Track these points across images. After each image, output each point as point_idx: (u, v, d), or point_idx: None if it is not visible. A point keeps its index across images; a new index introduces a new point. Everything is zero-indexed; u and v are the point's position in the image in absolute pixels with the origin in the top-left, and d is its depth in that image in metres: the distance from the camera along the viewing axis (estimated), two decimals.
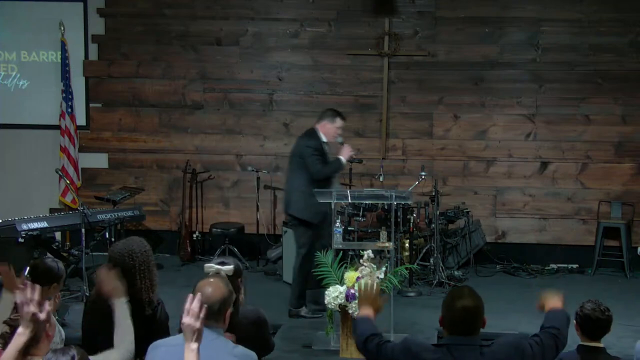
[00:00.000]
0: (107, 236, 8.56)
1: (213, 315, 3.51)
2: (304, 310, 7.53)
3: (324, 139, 7.62)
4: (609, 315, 4.33)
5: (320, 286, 6.74)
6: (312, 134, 7.65)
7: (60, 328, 4.20)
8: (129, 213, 9.01)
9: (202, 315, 3.23)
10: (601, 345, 4.38)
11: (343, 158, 7.60)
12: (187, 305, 3.25)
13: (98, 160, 10.27)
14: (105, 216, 8.63)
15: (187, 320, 3.23)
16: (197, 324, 3.22)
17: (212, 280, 3.64)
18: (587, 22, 9.58)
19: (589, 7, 9.57)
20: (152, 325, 4.08)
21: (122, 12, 10.09)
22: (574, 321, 4.42)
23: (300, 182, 7.52)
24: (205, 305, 3.28)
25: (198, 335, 3.23)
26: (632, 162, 9.66)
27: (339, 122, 7.66)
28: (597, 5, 9.55)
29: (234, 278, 4.25)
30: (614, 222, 9.48)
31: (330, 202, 7.09)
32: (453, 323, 3.63)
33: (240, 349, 3.58)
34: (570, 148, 9.74)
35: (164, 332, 4.17)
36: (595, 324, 4.33)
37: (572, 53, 9.64)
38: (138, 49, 10.13)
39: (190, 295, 3.29)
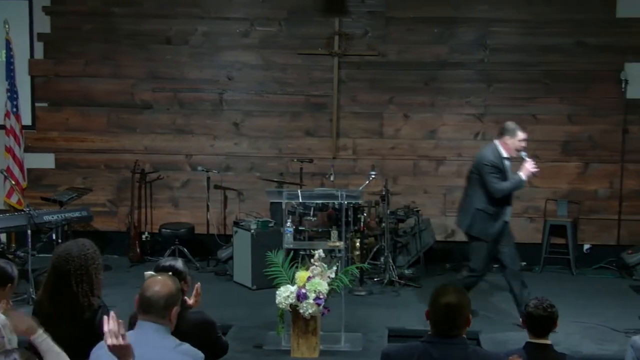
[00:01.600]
0: (54, 238, 8.43)
1: (159, 312, 3.51)
2: None
3: (505, 154, 7.12)
4: (552, 312, 4.38)
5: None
6: (491, 149, 7.14)
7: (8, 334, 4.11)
8: (77, 214, 8.88)
9: (122, 332, 3.20)
10: (548, 342, 4.42)
11: (523, 175, 7.06)
12: (105, 328, 3.21)
13: (44, 161, 10.10)
14: (52, 217, 8.49)
15: (110, 341, 3.19)
16: (122, 342, 3.19)
17: (159, 277, 3.64)
18: (535, 23, 9.70)
19: (537, 8, 9.69)
20: (91, 329, 4.01)
21: (69, 10, 9.94)
22: (520, 319, 4.47)
23: (477, 200, 7.12)
24: (122, 322, 3.24)
25: (127, 352, 3.20)
26: (578, 161, 9.81)
27: (520, 135, 7.09)
28: (545, 7, 9.68)
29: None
30: (560, 220, 9.62)
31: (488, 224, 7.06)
32: (436, 320, 3.63)
33: (186, 346, 3.58)
34: None
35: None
36: (538, 321, 4.38)
37: (520, 53, 9.76)
38: (86, 47, 9.99)
39: (105, 318, 3.25)
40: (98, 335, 3.70)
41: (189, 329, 4.15)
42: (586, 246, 9.83)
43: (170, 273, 4.19)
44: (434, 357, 3.55)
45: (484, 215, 7.09)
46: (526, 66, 9.75)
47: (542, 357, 4.37)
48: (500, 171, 7.06)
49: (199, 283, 4.68)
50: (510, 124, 7.17)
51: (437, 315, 3.62)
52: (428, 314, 3.67)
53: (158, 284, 3.58)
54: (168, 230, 9.60)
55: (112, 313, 3.27)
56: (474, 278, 7.29)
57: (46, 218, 8.41)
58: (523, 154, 7.11)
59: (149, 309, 3.51)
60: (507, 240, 7.23)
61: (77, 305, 4.13)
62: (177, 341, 3.57)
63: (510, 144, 7.09)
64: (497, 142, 7.17)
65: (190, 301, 4.50)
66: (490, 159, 7.04)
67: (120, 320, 3.22)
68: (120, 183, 10.06)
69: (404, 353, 3.64)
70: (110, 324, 3.21)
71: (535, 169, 7.08)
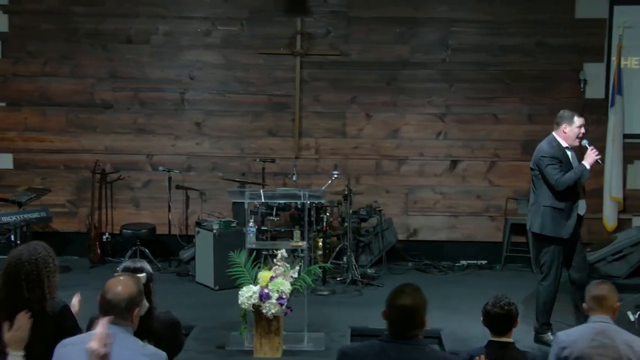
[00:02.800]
0: (13, 239, 8.33)
1: (121, 313, 3.48)
2: (549, 336, 6.74)
3: (565, 144, 6.78)
4: (510, 309, 4.41)
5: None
6: (548, 141, 6.83)
7: None
8: (35, 215, 8.78)
9: (108, 341, 3.18)
10: (510, 340, 4.45)
11: (587, 164, 6.67)
12: (97, 330, 3.19)
13: (2, 161, 9.97)
14: (10, 218, 8.40)
15: (92, 345, 3.16)
16: (102, 350, 3.16)
17: (122, 278, 3.60)
18: (496, 24, 9.78)
19: (498, 9, 9.77)
20: (57, 336, 3.95)
21: (27, 9, 9.80)
22: (481, 318, 4.50)
23: (543, 197, 6.79)
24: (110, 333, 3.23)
25: None
26: None
27: (577, 121, 6.72)
28: (505, 7, 9.77)
29: (146, 283, 4.20)
30: (521, 219, 9.66)
31: None
32: (392, 321, 3.63)
33: (150, 348, 3.55)
34: (479, 147, 9.94)
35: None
36: (495, 319, 4.41)
37: (481, 53, 9.84)
38: (45, 47, 9.87)
39: (99, 320, 3.23)
40: (53, 340, 3.65)
41: (160, 329, 4.14)
42: None
43: (144, 274, 4.16)
44: (392, 356, 3.55)
45: (554, 211, 6.72)
46: (487, 66, 9.84)
47: (503, 356, 4.39)
48: (561, 162, 6.70)
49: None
50: (565, 112, 6.84)
51: (393, 316, 3.63)
52: (385, 314, 3.67)
53: (120, 285, 3.54)
54: (129, 231, 9.51)
55: (105, 319, 3.25)
56: (552, 287, 6.83)
57: (4, 219, 8.32)
58: (585, 142, 6.79)
59: (110, 310, 3.48)
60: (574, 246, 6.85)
61: (31, 312, 4.05)
62: (141, 342, 3.54)
63: (569, 132, 6.73)
64: (554, 134, 6.83)
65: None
66: (548, 150, 6.73)
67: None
68: (80, 183, 9.95)
69: (362, 351, 3.65)
70: (100, 329, 3.18)
71: (598, 156, 6.72)
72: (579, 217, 6.85)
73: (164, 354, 3.59)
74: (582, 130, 6.76)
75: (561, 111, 6.94)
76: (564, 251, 6.81)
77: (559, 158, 6.72)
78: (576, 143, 6.79)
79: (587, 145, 6.78)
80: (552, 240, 6.77)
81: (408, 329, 3.61)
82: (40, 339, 3.89)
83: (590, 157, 6.70)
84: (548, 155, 6.71)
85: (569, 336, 4.55)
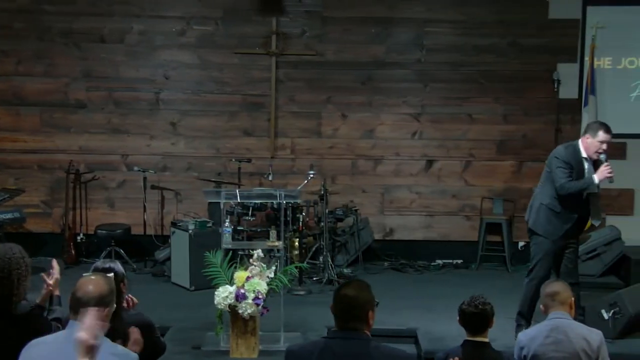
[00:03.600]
0: None
1: (78, 312, 3.47)
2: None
3: (584, 154, 6.60)
4: (484, 309, 4.43)
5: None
6: (568, 145, 6.72)
7: None
8: (9, 215, 8.71)
9: (98, 332, 3.15)
10: (486, 339, 4.48)
11: (596, 178, 6.48)
12: (87, 320, 3.16)
13: None
14: None
15: (81, 335, 3.13)
16: (92, 341, 3.14)
17: (93, 277, 3.58)
18: (470, 24, 9.83)
19: (472, 9, 9.82)
20: (28, 338, 3.91)
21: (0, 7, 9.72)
22: (457, 317, 4.52)
23: (543, 195, 6.72)
24: (108, 325, 3.24)
25: (92, 354, 3.14)
26: (513, 159, 9.97)
27: (601, 135, 6.48)
28: (479, 8, 9.82)
29: (116, 284, 4.16)
30: (496, 218, 9.77)
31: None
32: (335, 312, 3.64)
33: (121, 348, 3.54)
34: (454, 146, 9.98)
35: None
36: (471, 319, 4.43)
37: (455, 54, 9.88)
38: (18, 46, 9.78)
39: (89, 309, 3.22)
40: (30, 338, 3.61)
41: (126, 331, 4.11)
42: (521, 243, 9.99)
43: (111, 274, 4.13)
44: (335, 352, 3.55)
45: (549, 212, 6.68)
46: (462, 66, 9.88)
47: (479, 355, 4.42)
48: (572, 169, 6.57)
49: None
50: (594, 123, 6.75)
51: (336, 307, 3.64)
52: (331, 308, 3.68)
53: (90, 283, 3.52)
54: (104, 231, 9.45)
55: (94, 310, 3.24)
56: (534, 281, 6.70)
57: None
58: (603, 156, 6.54)
59: (79, 309, 3.46)
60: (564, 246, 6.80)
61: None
62: (111, 342, 3.52)
63: (590, 143, 6.56)
64: (580, 140, 6.70)
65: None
66: (562, 153, 6.61)
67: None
68: (54, 184, 9.88)
69: (307, 349, 3.67)
70: (89, 319, 3.15)
71: (611, 174, 6.47)
72: (579, 226, 6.80)
73: (134, 355, 3.57)
74: (604, 146, 6.55)
75: (593, 122, 6.91)
76: (554, 253, 6.76)
77: (571, 164, 6.59)
78: (594, 157, 6.59)
79: (603, 160, 6.55)
80: (541, 239, 6.76)
81: (349, 319, 3.59)
82: (7, 340, 3.84)
83: (602, 172, 6.49)
84: (560, 158, 6.61)
85: (526, 335, 4.61)
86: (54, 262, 4.51)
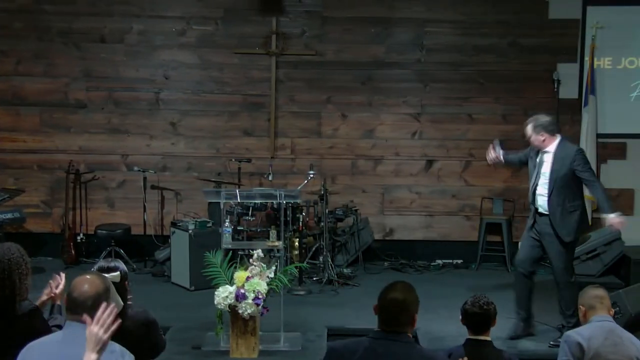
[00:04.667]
0: None
1: (86, 311, 3.47)
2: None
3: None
4: (488, 309, 4.43)
5: None
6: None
7: None
8: (9, 215, 8.70)
9: (113, 327, 3.19)
10: (488, 338, 4.47)
11: (609, 216, 6.76)
12: (99, 313, 3.19)
13: None
14: None
15: (94, 328, 3.17)
16: (104, 336, 3.16)
17: (88, 276, 3.58)
18: (470, 24, 9.83)
19: (471, 9, 9.82)
20: (27, 338, 3.92)
21: None
22: (460, 316, 4.52)
23: (571, 197, 6.92)
24: (120, 321, 3.25)
25: (101, 347, 3.17)
26: None
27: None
28: (479, 7, 9.82)
29: (121, 282, 4.18)
30: (496, 218, 9.77)
31: None
32: (381, 314, 3.67)
33: (116, 346, 3.54)
34: (454, 146, 9.98)
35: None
36: (474, 318, 4.43)
37: (455, 54, 9.88)
38: (17, 45, 9.78)
39: (104, 304, 3.23)
40: (31, 338, 3.62)
41: (134, 327, 4.12)
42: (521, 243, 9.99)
43: (117, 273, 4.14)
44: (378, 352, 3.58)
45: (583, 212, 7.04)
46: (462, 66, 9.88)
47: (481, 354, 4.42)
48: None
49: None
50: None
51: (383, 309, 3.66)
52: (376, 308, 3.71)
53: (86, 283, 3.52)
54: (104, 232, 9.45)
55: (111, 305, 3.26)
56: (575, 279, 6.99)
57: None
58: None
59: (76, 309, 3.46)
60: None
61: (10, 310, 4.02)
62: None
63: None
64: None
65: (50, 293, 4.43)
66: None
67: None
68: (54, 184, 9.88)
69: (350, 347, 3.67)
70: (106, 313, 3.19)
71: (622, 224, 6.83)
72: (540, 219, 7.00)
73: (128, 353, 3.57)
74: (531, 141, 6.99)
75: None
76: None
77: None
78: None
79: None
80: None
81: (396, 323, 3.63)
82: (8, 340, 3.84)
83: (616, 221, 6.76)
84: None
85: (582, 335, 4.50)
86: (62, 274, 4.50)
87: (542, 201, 6.93)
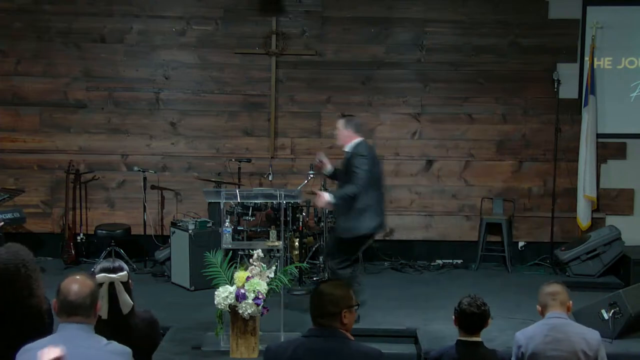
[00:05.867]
0: None
1: (86, 311, 3.49)
2: None
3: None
4: (485, 309, 4.45)
5: None
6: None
7: None
8: (9, 215, 8.69)
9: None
10: (479, 339, 4.49)
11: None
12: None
13: None
14: None
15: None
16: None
17: (77, 277, 3.60)
18: (470, 24, 9.83)
19: (471, 9, 9.82)
20: (37, 333, 3.93)
21: None
22: (453, 316, 4.52)
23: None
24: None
25: None
26: (512, 159, 9.97)
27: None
28: (478, 7, 9.82)
29: (127, 281, 4.19)
30: (495, 218, 9.76)
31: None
32: (310, 308, 3.76)
33: (115, 344, 3.56)
34: (454, 146, 9.98)
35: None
36: (471, 319, 4.44)
37: (455, 54, 9.88)
38: (17, 45, 9.77)
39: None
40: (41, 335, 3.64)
41: (142, 326, 4.13)
42: (521, 243, 10.00)
43: (125, 272, 4.15)
44: (311, 349, 3.63)
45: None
46: (461, 66, 9.88)
47: (472, 355, 4.44)
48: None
49: None
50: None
51: (310, 303, 3.76)
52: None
53: (76, 283, 3.55)
54: (104, 232, 9.45)
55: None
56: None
57: None
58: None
59: (75, 311, 3.49)
60: None
61: (36, 311, 4.04)
62: (105, 340, 3.55)
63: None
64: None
65: None
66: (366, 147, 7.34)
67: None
68: (54, 184, 9.87)
69: (283, 346, 3.76)
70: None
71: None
72: None
73: (129, 350, 3.59)
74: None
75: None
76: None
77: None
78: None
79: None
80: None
81: (321, 315, 3.68)
82: (27, 337, 3.86)
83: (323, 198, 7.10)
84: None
85: (524, 334, 4.63)
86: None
87: None
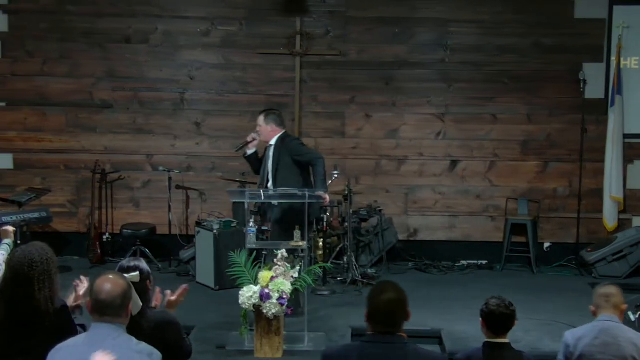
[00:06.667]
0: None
1: (117, 311, 3.51)
2: None
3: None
4: (513, 310, 4.42)
5: None
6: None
7: None
8: (36, 215, 8.76)
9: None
10: (506, 340, 4.45)
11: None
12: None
13: (2, 161, 9.95)
14: (11, 218, 8.35)
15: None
16: None
17: (110, 276, 3.62)
18: (492, 24, 9.78)
19: (493, 9, 9.77)
20: (53, 333, 3.95)
21: (25, 8, 9.79)
22: (480, 318, 4.48)
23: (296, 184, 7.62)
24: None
25: None
26: (537, 160, 9.91)
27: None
28: (501, 7, 9.77)
29: (141, 282, 4.21)
30: (521, 219, 9.70)
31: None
32: (376, 317, 3.63)
33: (144, 345, 3.57)
34: (478, 147, 9.94)
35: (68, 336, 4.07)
36: (500, 319, 4.39)
37: (479, 54, 9.83)
38: (43, 46, 9.85)
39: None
40: (60, 338, 3.66)
41: (147, 327, 4.13)
42: (546, 244, 9.94)
43: (137, 273, 4.18)
44: (374, 355, 3.56)
45: None
46: (485, 66, 9.84)
47: (500, 357, 4.40)
48: None
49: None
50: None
51: (378, 313, 3.63)
52: (368, 315, 3.67)
53: (109, 283, 3.57)
54: (129, 231, 9.51)
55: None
56: None
57: (4, 219, 8.27)
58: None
59: (106, 310, 3.51)
60: None
61: (37, 312, 4.07)
62: (135, 340, 3.56)
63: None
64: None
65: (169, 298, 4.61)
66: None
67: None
68: (80, 183, 9.95)
69: (343, 353, 3.67)
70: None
71: None
72: None
73: (158, 353, 3.60)
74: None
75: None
76: None
77: None
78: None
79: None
80: None
81: (393, 323, 3.62)
82: (44, 336, 3.90)
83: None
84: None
85: (573, 334, 4.58)
86: (84, 278, 4.61)
87: None
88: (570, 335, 4.60)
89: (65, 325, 4.12)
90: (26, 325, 4.06)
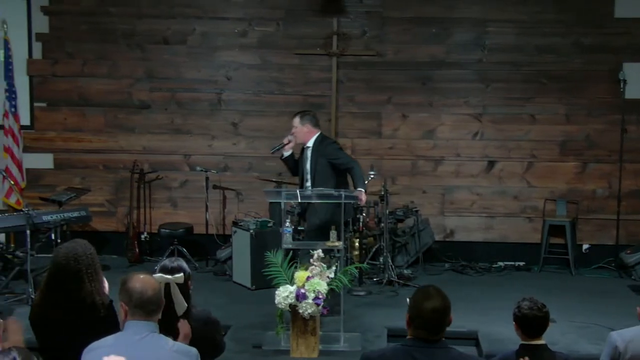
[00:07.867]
0: (53, 238, 8.40)
1: (159, 307, 3.55)
2: None
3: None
4: (547, 311, 4.38)
5: None
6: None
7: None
8: (75, 214, 8.87)
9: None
10: (543, 342, 4.41)
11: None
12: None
13: (43, 161, 10.09)
14: (51, 217, 8.47)
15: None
16: None
17: (142, 276, 3.65)
18: (531, 23, 9.71)
19: (532, 9, 9.69)
20: (105, 326, 4.02)
21: (66, 10, 9.93)
22: (513, 322, 4.45)
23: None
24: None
25: None
26: (575, 160, 9.82)
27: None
28: (540, 7, 9.69)
29: (184, 283, 4.25)
30: (559, 220, 9.61)
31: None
32: (420, 323, 3.62)
33: (180, 345, 3.60)
34: (516, 147, 9.87)
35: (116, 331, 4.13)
36: (533, 322, 4.36)
37: (517, 53, 9.76)
38: (83, 47, 9.98)
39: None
40: (109, 330, 3.72)
41: (197, 326, 4.18)
42: (585, 246, 9.83)
43: (181, 274, 4.22)
44: (416, 359, 3.54)
45: None
46: (523, 66, 9.76)
47: (539, 358, 4.36)
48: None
49: None
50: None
51: (422, 320, 3.61)
52: (410, 319, 3.65)
53: (150, 281, 3.64)
54: (167, 231, 9.59)
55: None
56: None
57: (45, 218, 8.39)
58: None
59: (151, 307, 3.56)
60: None
61: (91, 304, 4.14)
62: (171, 340, 3.59)
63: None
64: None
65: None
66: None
67: None
68: (118, 183, 10.06)
69: (386, 356, 3.65)
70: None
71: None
72: None
73: (195, 350, 3.63)
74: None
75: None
76: None
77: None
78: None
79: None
80: None
81: (440, 330, 3.61)
82: (102, 328, 3.95)
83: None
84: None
85: (622, 336, 4.47)
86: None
87: None
88: (619, 337, 4.48)
89: (115, 320, 4.19)
90: (81, 317, 4.12)
